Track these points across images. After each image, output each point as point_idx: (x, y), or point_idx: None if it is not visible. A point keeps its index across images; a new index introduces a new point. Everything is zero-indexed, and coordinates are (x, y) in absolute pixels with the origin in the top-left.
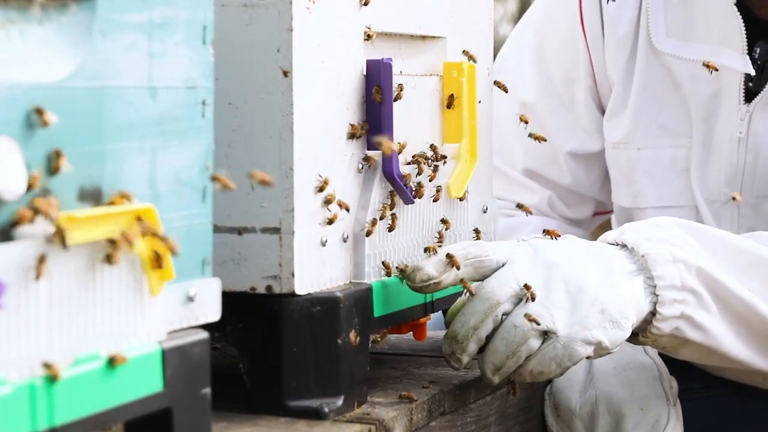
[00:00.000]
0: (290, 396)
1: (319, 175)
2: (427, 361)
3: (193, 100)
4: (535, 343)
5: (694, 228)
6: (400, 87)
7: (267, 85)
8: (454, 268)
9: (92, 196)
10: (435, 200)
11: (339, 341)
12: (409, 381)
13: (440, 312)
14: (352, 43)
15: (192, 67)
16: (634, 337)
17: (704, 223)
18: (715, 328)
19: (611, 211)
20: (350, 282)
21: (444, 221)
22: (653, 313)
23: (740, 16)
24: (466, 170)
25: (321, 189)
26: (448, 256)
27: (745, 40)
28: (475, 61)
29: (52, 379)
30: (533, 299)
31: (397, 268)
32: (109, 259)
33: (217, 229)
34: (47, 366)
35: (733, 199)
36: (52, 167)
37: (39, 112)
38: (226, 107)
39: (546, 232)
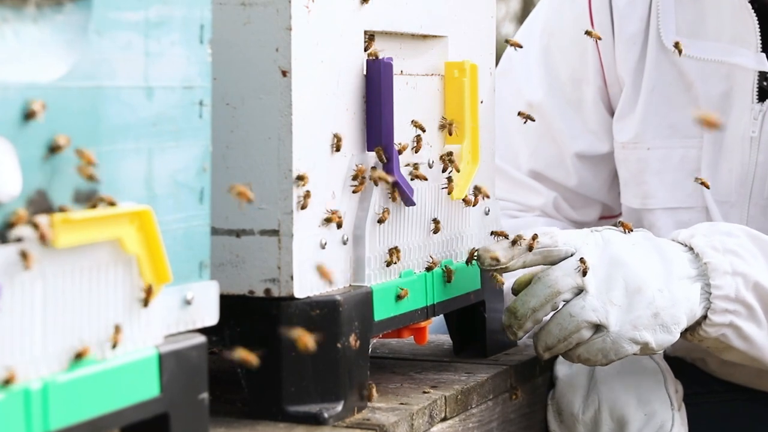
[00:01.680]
0: (289, 401)
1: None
2: (429, 365)
3: (190, 101)
4: (586, 333)
5: (760, 239)
6: (419, 139)
7: (265, 85)
8: (522, 255)
9: (88, 198)
10: (435, 232)
11: (339, 345)
12: (410, 386)
13: (441, 315)
14: (352, 42)
15: (189, 66)
16: (682, 334)
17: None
18: (761, 340)
19: (618, 215)
20: (350, 285)
21: (435, 221)
22: (704, 317)
23: (754, 13)
24: (468, 172)
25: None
26: (518, 238)
27: (759, 37)
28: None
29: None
30: (584, 273)
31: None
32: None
33: (214, 232)
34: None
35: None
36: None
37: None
38: (224, 107)
39: (621, 224)
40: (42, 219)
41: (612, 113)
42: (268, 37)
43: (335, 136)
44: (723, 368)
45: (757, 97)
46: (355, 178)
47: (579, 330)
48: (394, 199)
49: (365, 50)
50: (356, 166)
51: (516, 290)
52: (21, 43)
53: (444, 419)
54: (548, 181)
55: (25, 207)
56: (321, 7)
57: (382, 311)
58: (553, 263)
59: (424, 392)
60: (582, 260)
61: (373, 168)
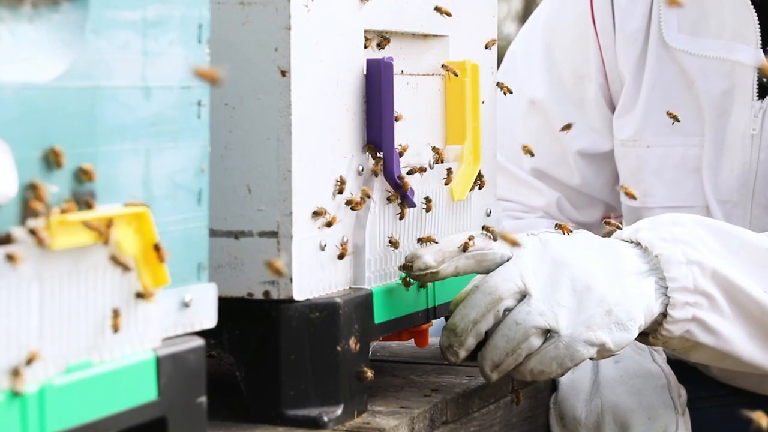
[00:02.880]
0: (288, 405)
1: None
2: (429, 368)
3: (189, 101)
4: (536, 341)
5: (711, 225)
6: (428, 201)
7: (264, 85)
8: (454, 258)
9: (85, 200)
10: (427, 210)
11: (338, 348)
12: (411, 389)
13: (442, 318)
14: (351, 41)
15: (187, 66)
16: (645, 338)
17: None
18: (728, 331)
19: (621, 215)
20: (350, 287)
21: (427, 199)
22: (664, 315)
23: (754, 10)
24: (469, 173)
25: (341, 191)
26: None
27: (759, 34)
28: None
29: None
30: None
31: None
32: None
33: (213, 233)
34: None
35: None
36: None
37: (56, 154)
38: (223, 108)
39: (558, 226)
40: (37, 221)
41: (614, 110)
42: (267, 37)
43: (339, 179)
44: (724, 372)
45: (757, 94)
46: (349, 202)
47: (527, 338)
48: (393, 201)
49: (378, 47)
50: (351, 194)
51: (452, 310)
52: (17, 43)
53: (445, 423)
54: (551, 180)
55: (21, 208)
56: (321, 6)
57: (382, 314)
58: (489, 270)
59: (425, 396)
60: (512, 241)
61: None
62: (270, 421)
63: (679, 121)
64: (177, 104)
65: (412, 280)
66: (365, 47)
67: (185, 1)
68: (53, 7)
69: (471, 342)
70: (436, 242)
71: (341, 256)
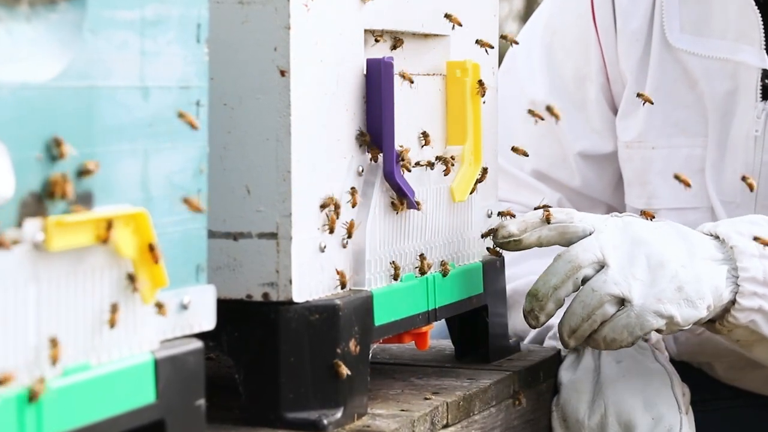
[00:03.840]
0: (288, 407)
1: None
2: (430, 371)
3: (187, 101)
4: (610, 308)
5: None
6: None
7: (263, 85)
8: (537, 228)
9: (82, 201)
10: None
11: (338, 351)
12: (411, 392)
13: (443, 320)
14: (351, 41)
15: (186, 66)
16: (712, 324)
17: None
18: None
19: None
20: (350, 289)
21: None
22: (733, 302)
23: (758, 11)
24: (470, 173)
25: (324, 206)
26: (543, 208)
27: (763, 34)
28: (491, 47)
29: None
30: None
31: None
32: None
33: (211, 235)
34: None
35: (749, 185)
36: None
37: (57, 143)
38: (221, 108)
39: (643, 213)
40: (34, 223)
41: (615, 112)
42: (266, 36)
43: (352, 190)
44: (729, 373)
45: (761, 95)
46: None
47: (602, 305)
48: (398, 209)
49: (392, 49)
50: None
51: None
52: (14, 43)
53: (446, 426)
54: (552, 182)
55: (18, 210)
56: (320, 5)
57: (382, 316)
58: (570, 242)
59: (426, 398)
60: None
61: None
62: (269, 423)
63: (689, 186)
64: (175, 104)
65: (498, 249)
66: (376, 41)
67: (184, 1)
68: (51, 7)
69: (551, 307)
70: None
71: (349, 236)
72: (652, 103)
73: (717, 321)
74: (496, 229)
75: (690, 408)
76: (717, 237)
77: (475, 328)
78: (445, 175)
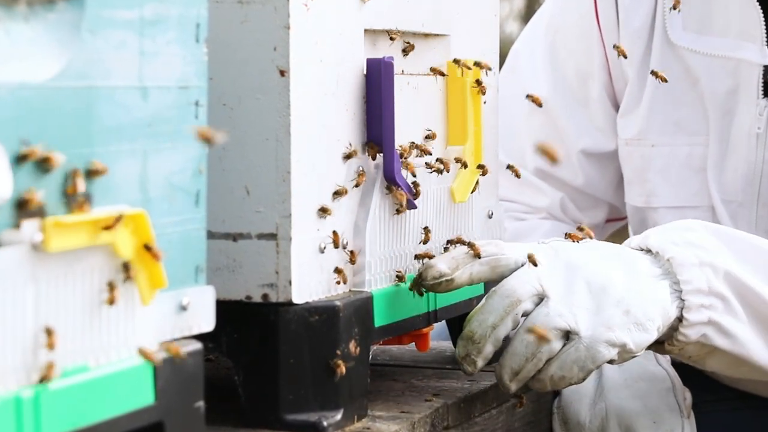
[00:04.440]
0: (287, 409)
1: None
2: (430, 372)
3: (186, 101)
4: (556, 344)
5: (720, 231)
6: (416, 184)
7: (263, 85)
8: (468, 264)
9: (81, 202)
10: (415, 197)
11: (338, 352)
12: (412, 394)
13: (443, 322)
14: (351, 41)
15: (185, 66)
16: (660, 346)
17: (721, 225)
18: (744, 335)
19: (626, 218)
20: (350, 290)
21: (426, 229)
22: (680, 319)
23: (759, 8)
24: (471, 174)
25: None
26: (469, 245)
27: (765, 31)
28: (490, 69)
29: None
30: (535, 264)
31: (396, 275)
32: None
33: (211, 235)
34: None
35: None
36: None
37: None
38: (221, 108)
39: (568, 235)
40: (33, 223)
41: (618, 109)
42: (265, 36)
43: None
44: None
45: (762, 92)
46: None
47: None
48: (399, 212)
49: (403, 52)
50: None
51: (466, 324)
52: (12, 42)
53: (446, 428)
54: (554, 180)
55: (15, 210)
56: (320, 5)
57: (382, 317)
58: (503, 276)
59: (426, 400)
60: (530, 256)
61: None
62: (269, 425)
63: (666, 81)
64: (174, 104)
65: (424, 290)
66: (391, 39)
67: (183, 1)
68: (49, 6)
69: (489, 349)
70: (466, 242)
71: (352, 262)
72: (666, 81)
73: (666, 342)
74: (423, 270)
75: (692, 412)
76: (649, 251)
77: None
78: (440, 174)
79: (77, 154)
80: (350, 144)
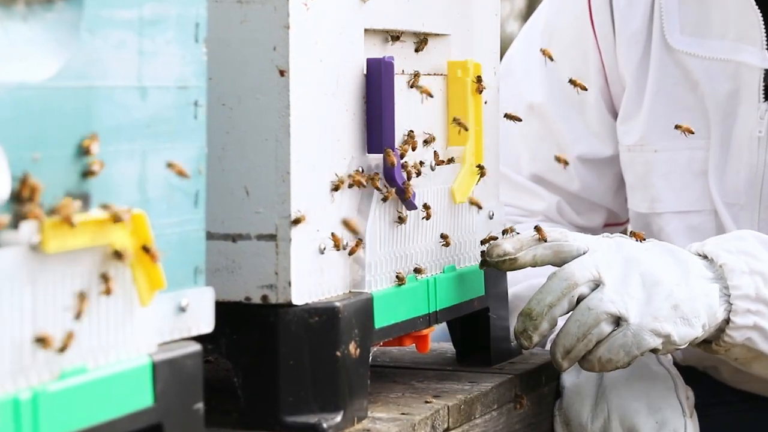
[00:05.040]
0: (287, 411)
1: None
2: (431, 374)
3: (185, 101)
4: (606, 327)
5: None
6: (427, 208)
7: (262, 85)
8: (532, 247)
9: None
10: (426, 218)
11: (338, 354)
12: (412, 395)
13: (444, 323)
14: (351, 40)
15: (184, 66)
16: (708, 345)
17: (724, 228)
18: None
19: (625, 222)
20: (350, 291)
21: (444, 236)
22: (727, 321)
23: (758, 10)
24: (471, 175)
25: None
26: (536, 228)
27: (765, 34)
28: (519, 120)
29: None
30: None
31: (396, 277)
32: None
33: (210, 236)
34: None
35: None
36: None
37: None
38: (220, 108)
39: (633, 234)
40: (31, 224)
41: (614, 115)
42: (265, 36)
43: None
44: (736, 376)
45: (763, 95)
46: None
47: (598, 323)
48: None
49: (416, 51)
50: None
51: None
52: (10, 42)
53: (447, 430)
54: (550, 185)
55: (13, 210)
56: (320, 4)
57: (382, 318)
58: (565, 261)
59: (426, 402)
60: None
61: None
62: (268, 427)
63: (692, 133)
64: (173, 104)
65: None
66: (416, 51)
67: (182, 0)
68: (47, 6)
69: (545, 326)
70: (518, 233)
71: (352, 252)
72: (585, 89)
73: (713, 342)
74: (489, 248)
75: (694, 411)
76: (705, 257)
77: (476, 331)
78: (436, 164)
79: (76, 155)
80: (337, 175)
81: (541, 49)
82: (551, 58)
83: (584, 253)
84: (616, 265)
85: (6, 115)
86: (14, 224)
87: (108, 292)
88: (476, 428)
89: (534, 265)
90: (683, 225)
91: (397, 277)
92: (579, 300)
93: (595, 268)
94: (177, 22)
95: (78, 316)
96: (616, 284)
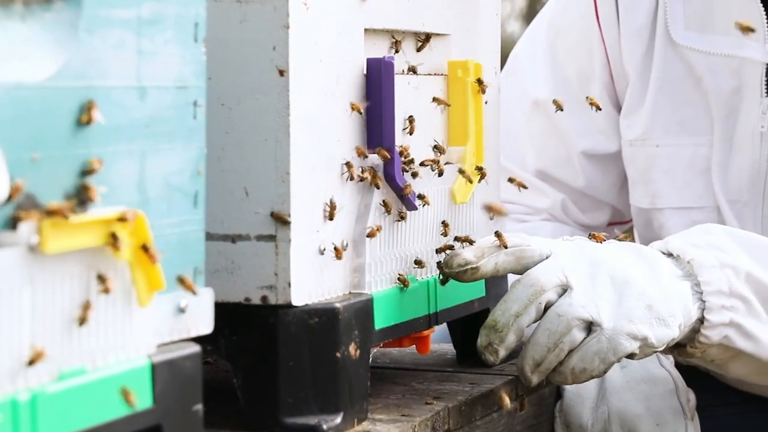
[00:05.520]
0: (286, 412)
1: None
2: (431, 375)
3: (184, 101)
4: (578, 334)
5: (737, 234)
6: (411, 120)
7: (262, 85)
8: (493, 254)
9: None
10: (423, 204)
11: (338, 355)
12: (412, 397)
13: (444, 324)
14: (351, 40)
15: (183, 66)
16: (683, 349)
17: (727, 225)
18: (766, 337)
19: (629, 221)
20: (350, 292)
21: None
22: (701, 321)
23: (762, 6)
24: (471, 175)
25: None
26: (496, 234)
27: (767, 29)
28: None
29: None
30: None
31: (399, 278)
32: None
33: (209, 237)
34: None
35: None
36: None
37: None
38: (219, 108)
39: (592, 236)
40: (29, 225)
41: (619, 110)
42: (264, 36)
43: (330, 203)
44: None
45: (765, 90)
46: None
47: (570, 330)
48: (388, 211)
49: (417, 51)
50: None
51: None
52: (8, 42)
53: (447, 431)
54: (555, 182)
55: (11, 211)
56: (320, 4)
57: (383, 319)
58: (527, 267)
59: (427, 403)
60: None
61: (372, 170)
62: (268, 429)
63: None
64: (173, 104)
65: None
66: (396, 51)
67: (181, 0)
68: (46, 6)
69: (512, 339)
70: (473, 241)
71: (338, 257)
72: (600, 108)
73: (687, 344)
74: (448, 258)
75: (695, 414)
76: (671, 254)
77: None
78: (439, 175)
79: (74, 156)
80: (329, 202)
81: (587, 97)
82: (598, 108)
83: (547, 258)
84: (582, 267)
85: (5, 115)
86: (13, 225)
87: (106, 291)
88: (477, 430)
89: (496, 274)
90: (685, 221)
91: (399, 279)
92: (547, 307)
93: (561, 272)
94: (176, 21)
95: (106, 292)
96: (584, 287)
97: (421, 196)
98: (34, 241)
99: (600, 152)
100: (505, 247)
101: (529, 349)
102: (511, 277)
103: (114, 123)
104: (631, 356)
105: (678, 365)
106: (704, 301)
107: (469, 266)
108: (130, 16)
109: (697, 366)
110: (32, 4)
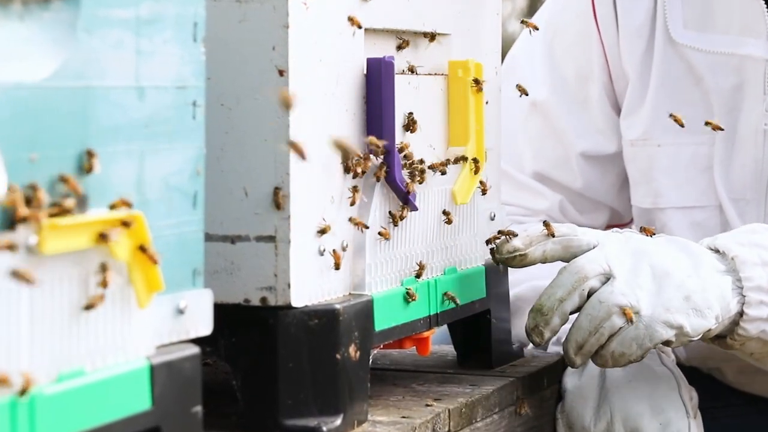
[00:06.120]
0: (286, 414)
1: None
2: (432, 377)
3: (184, 101)
4: (618, 320)
5: None
6: (447, 214)
7: (262, 85)
8: (541, 242)
9: (77, 203)
10: (448, 223)
11: (338, 356)
12: (412, 398)
13: (445, 326)
14: (351, 40)
15: (182, 66)
16: (722, 340)
17: (729, 223)
18: None
19: (628, 223)
20: (350, 293)
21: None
22: (741, 314)
23: (763, 3)
24: (472, 176)
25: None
26: (544, 224)
27: None
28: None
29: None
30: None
31: (407, 292)
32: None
33: (208, 238)
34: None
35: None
36: (85, 167)
37: (90, 155)
38: (218, 108)
39: (642, 229)
40: (28, 225)
41: (618, 111)
42: (264, 35)
43: (353, 188)
44: (740, 378)
45: None
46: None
47: (610, 316)
48: (396, 220)
49: (430, 42)
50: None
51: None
52: (7, 42)
53: None
54: (553, 183)
55: (9, 211)
56: (319, 4)
57: (383, 321)
58: (574, 256)
59: (427, 405)
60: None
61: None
62: (267, 430)
63: (683, 126)
64: (172, 104)
65: (500, 265)
66: (400, 48)
67: None
68: (44, 5)
69: (556, 322)
70: (516, 234)
71: (336, 267)
72: (683, 126)
73: (727, 336)
74: (499, 244)
75: (698, 412)
76: (717, 250)
77: (477, 333)
78: (441, 174)
79: (73, 156)
80: (324, 219)
81: (522, 21)
82: (536, 28)
83: (594, 248)
84: (625, 258)
85: (3, 115)
86: (11, 225)
87: (105, 285)
88: (477, 431)
89: (544, 261)
90: (687, 220)
91: (407, 293)
92: (590, 294)
93: (605, 262)
94: (175, 21)
95: (105, 286)
96: (626, 277)
97: (446, 212)
98: (33, 242)
99: (599, 153)
100: (553, 236)
101: (573, 333)
102: (553, 271)
103: (113, 123)
104: (667, 343)
105: (680, 365)
106: (744, 296)
107: (517, 253)
108: (128, 16)
109: (698, 367)
110: (31, 3)
